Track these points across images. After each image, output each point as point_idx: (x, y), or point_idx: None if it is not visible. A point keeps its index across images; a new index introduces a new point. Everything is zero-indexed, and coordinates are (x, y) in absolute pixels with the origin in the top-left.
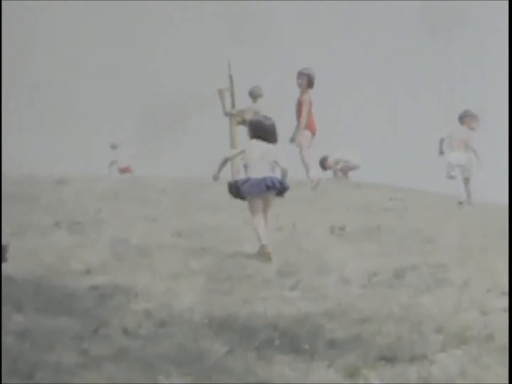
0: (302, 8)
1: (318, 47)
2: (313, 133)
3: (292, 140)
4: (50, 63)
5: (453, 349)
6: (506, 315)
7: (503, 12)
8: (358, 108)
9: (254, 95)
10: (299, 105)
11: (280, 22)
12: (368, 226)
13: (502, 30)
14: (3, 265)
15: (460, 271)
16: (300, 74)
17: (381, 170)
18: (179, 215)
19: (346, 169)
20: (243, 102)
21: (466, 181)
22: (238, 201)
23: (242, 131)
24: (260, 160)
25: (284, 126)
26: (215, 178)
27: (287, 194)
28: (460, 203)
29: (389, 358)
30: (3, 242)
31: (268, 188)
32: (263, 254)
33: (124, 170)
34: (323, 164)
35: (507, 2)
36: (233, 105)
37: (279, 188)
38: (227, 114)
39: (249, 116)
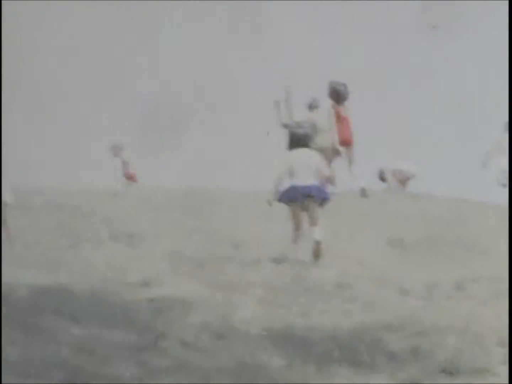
0: (302, 8)
1: (318, 47)
2: (343, 145)
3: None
4: (50, 63)
5: None
6: None
7: (503, 12)
8: (357, 109)
9: (311, 106)
10: None
11: (280, 22)
12: (426, 237)
13: (502, 30)
14: (58, 276)
15: None
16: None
17: (437, 179)
18: (234, 227)
19: (403, 179)
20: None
21: None
22: None
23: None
24: (304, 168)
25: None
26: (270, 203)
27: (344, 206)
28: None
29: (449, 371)
30: None
31: (306, 195)
32: (293, 256)
33: (130, 178)
34: (381, 176)
35: (507, 2)
36: (290, 117)
37: (319, 196)
38: (284, 125)
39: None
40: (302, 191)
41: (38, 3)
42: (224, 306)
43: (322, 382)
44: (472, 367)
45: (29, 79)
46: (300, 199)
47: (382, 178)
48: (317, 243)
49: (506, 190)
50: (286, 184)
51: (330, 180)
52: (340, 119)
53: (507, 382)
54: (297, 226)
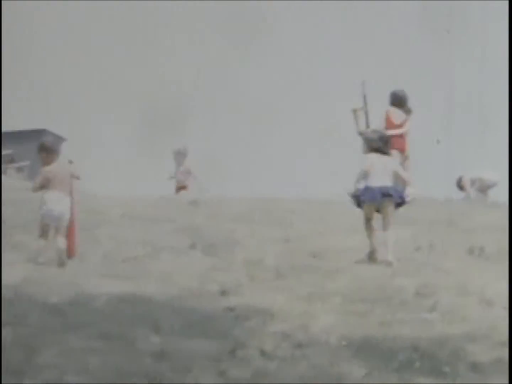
0: (302, 8)
1: (318, 47)
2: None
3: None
4: (50, 63)
5: None
6: None
7: (503, 12)
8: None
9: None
10: None
11: (280, 23)
12: (507, 246)
13: (502, 30)
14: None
15: None
16: None
17: None
18: (312, 236)
19: (484, 188)
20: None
21: None
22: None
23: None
24: (380, 170)
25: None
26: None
27: (424, 214)
28: None
29: None
30: None
31: (383, 196)
32: (370, 259)
33: (182, 188)
34: (459, 184)
35: (507, 2)
36: (367, 125)
37: (395, 197)
38: (361, 134)
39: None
40: (379, 191)
41: (38, 3)
42: (303, 315)
43: None
44: None
45: (29, 79)
46: (378, 198)
47: (460, 187)
48: (372, 253)
49: None
50: (361, 186)
51: (407, 183)
52: (393, 125)
53: (507, 382)
54: (370, 233)
